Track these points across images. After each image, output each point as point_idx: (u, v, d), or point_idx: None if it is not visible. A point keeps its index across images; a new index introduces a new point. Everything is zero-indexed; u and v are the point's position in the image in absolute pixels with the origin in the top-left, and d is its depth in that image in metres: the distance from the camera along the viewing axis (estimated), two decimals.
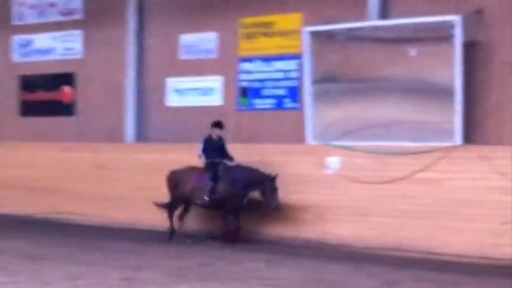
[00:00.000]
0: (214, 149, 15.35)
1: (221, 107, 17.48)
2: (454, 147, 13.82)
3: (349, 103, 15.24)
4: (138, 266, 12.12)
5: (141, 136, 18.76)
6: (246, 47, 17.20)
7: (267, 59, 16.90)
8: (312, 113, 15.57)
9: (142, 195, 17.23)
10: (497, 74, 14.06)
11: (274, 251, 14.25)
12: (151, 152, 17.75)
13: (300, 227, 15.45)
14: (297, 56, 16.23)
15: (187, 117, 17.92)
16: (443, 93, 14.04)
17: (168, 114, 18.35)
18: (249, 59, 17.15)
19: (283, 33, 16.65)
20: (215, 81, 17.61)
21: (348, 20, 15.33)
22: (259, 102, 16.99)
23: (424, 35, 14.31)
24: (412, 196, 14.16)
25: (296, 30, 16.20)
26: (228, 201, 15.05)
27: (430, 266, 12.80)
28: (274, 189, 14.76)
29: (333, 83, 15.46)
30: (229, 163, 15.27)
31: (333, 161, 15.24)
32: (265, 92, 16.90)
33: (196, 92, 17.93)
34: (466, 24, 13.87)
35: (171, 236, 15.50)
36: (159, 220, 16.26)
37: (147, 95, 18.75)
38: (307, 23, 15.86)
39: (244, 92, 17.18)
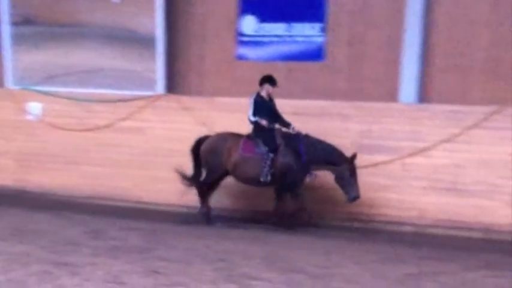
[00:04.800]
0: (267, 112, 12.00)
1: None
2: (157, 97, 13.97)
3: (51, 48, 14.83)
4: None
5: None
6: None
7: None
8: (11, 57, 14.96)
9: None
10: (199, 25, 14.26)
11: None
12: None
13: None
14: None
15: None
16: (145, 42, 14.09)
17: None
18: None
19: None
20: None
21: None
22: None
23: None
24: (116, 144, 14.17)
25: None
26: (289, 178, 11.82)
27: (136, 214, 12.92)
28: (353, 175, 11.61)
29: (33, 26, 14.92)
30: (290, 131, 11.97)
31: (34, 107, 14.82)
32: None
33: None
34: None
35: (207, 218, 12.38)
36: None
37: None
38: None
39: None
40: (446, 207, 12.23)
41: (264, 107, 11.93)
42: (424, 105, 12.72)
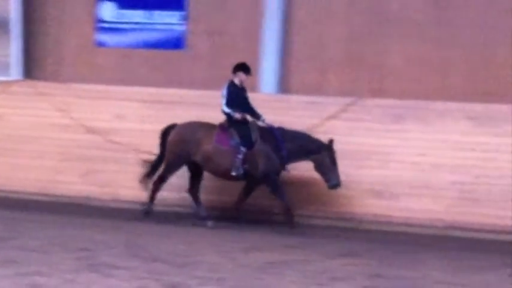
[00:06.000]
0: (240, 101, 11.44)
1: None
2: (13, 82, 13.60)
3: None
4: None
5: None
6: None
7: None
8: None
9: None
10: (57, 9, 13.97)
11: None
12: None
13: None
14: None
15: None
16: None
17: None
18: None
19: None
20: None
21: None
22: None
23: None
24: None
25: None
26: (268, 176, 11.35)
27: None
28: (333, 162, 11.29)
29: None
30: (260, 123, 11.49)
31: None
32: None
33: None
34: None
35: (147, 213, 11.47)
36: None
37: None
38: None
39: None
40: (308, 197, 12.37)
41: (236, 96, 11.37)
42: (284, 96, 12.95)
